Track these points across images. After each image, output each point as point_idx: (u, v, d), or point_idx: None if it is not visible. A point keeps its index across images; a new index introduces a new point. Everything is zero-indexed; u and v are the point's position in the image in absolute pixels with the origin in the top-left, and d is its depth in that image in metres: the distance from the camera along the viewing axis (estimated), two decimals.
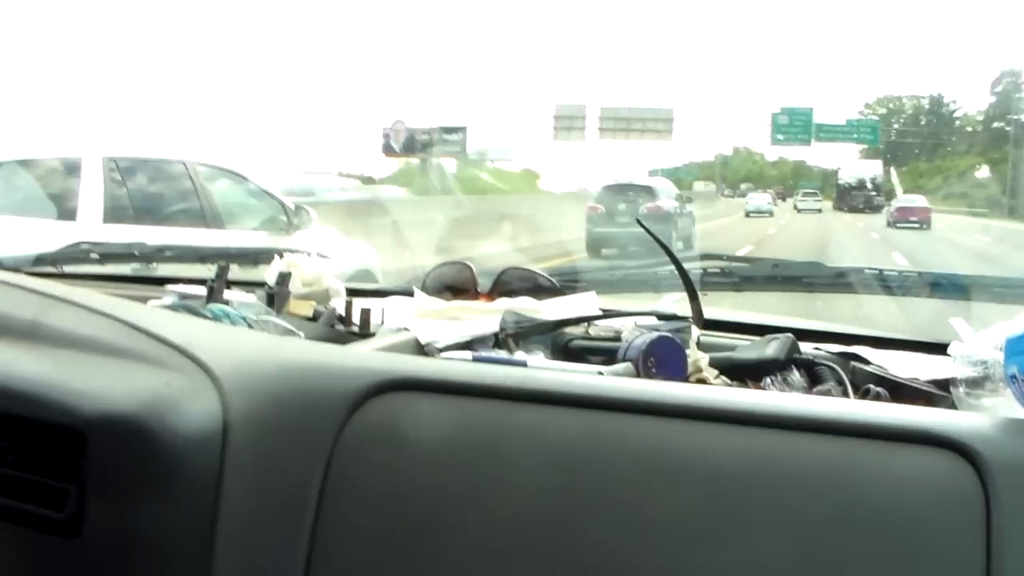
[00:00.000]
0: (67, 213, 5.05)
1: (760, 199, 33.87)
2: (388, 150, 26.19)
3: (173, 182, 5.82)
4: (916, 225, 23.19)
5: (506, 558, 0.94)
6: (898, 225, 23.38)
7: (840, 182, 36.41)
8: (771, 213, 30.90)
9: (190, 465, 0.99)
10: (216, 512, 1.00)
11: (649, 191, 16.77)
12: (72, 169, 5.22)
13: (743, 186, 43.25)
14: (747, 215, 30.30)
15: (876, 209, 28.86)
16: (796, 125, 37.23)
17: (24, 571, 1.06)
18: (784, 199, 37.45)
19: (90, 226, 4.92)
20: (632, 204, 15.27)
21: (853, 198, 33.44)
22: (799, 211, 32.91)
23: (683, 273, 1.46)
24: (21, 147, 5.29)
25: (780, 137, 37.59)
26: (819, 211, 32.91)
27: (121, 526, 0.99)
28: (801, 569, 0.87)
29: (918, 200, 25.67)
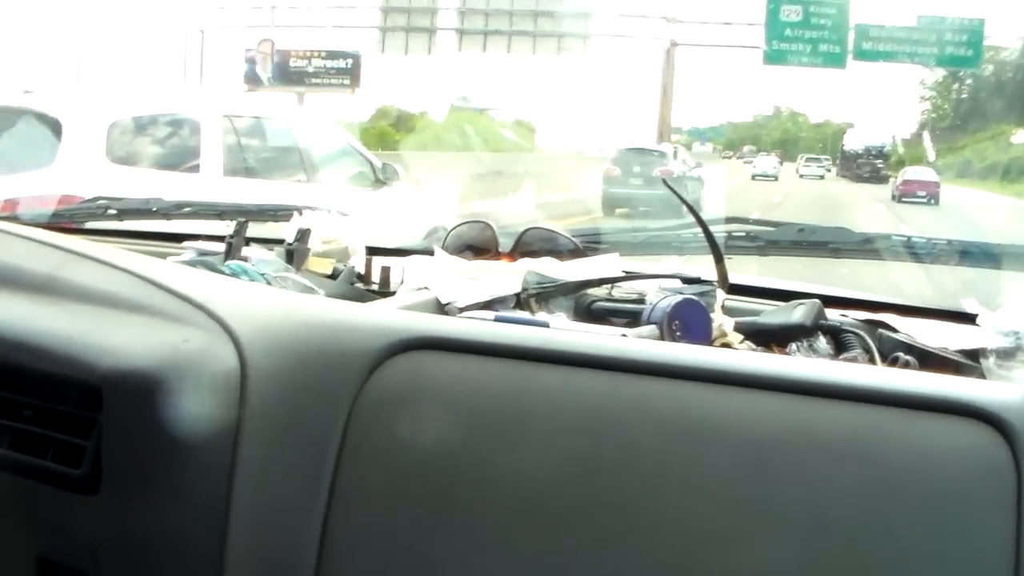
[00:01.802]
0: (190, 167, 5.36)
1: (767, 163, 33.16)
2: (252, 79, 19.28)
3: (278, 139, 6.18)
4: (923, 199, 22.04)
5: (526, 520, 0.93)
6: (904, 199, 22.24)
7: (845, 149, 33.65)
8: (776, 177, 30.45)
9: (207, 422, 0.98)
10: (233, 470, 0.99)
11: (662, 155, 17.23)
12: (192, 126, 5.55)
13: (745, 148, 41.62)
14: (753, 178, 29.86)
15: (882, 180, 27.36)
16: (818, 26, 19.18)
17: (44, 527, 1.06)
18: (782, 163, 36.28)
19: (212, 180, 5.26)
20: (646, 167, 15.40)
21: (859, 167, 31.22)
22: (801, 177, 32.12)
23: (709, 236, 1.44)
24: (140, 103, 5.63)
25: (783, 48, 19.65)
26: (822, 177, 31.99)
27: (137, 482, 0.99)
28: (823, 535, 0.85)
29: (926, 173, 24.11)
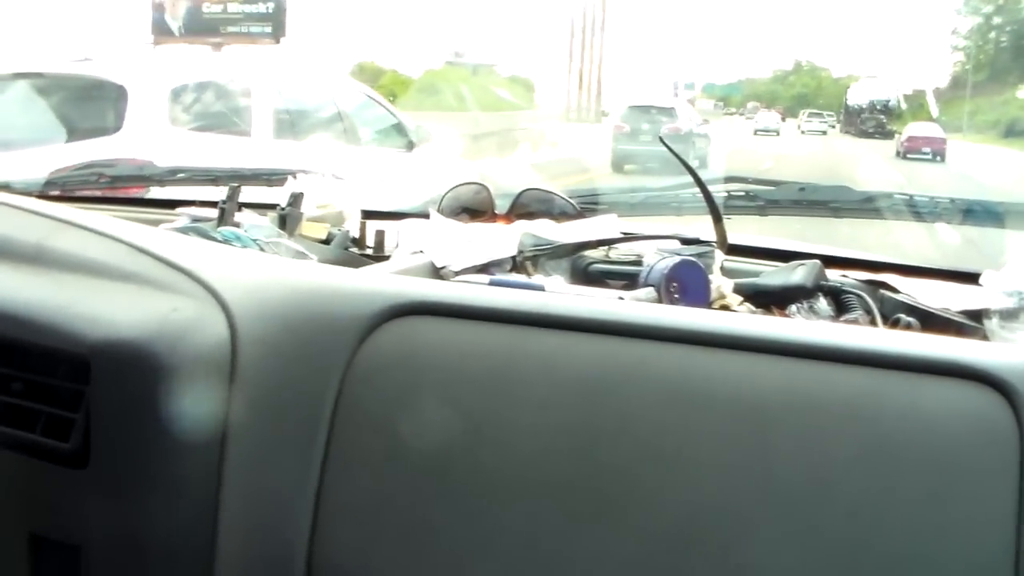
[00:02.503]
0: (243, 130, 5.58)
1: (768, 118, 32.87)
2: (161, 30, 15.56)
3: (321, 103, 6.37)
4: (928, 156, 21.52)
5: (522, 487, 0.92)
6: (908, 156, 21.64)
7: (849, 104, 32.99)
8: (778, 132, 30.19)
9: (197, 392, 0.97)
10: (224, 439, 0.98)
11: (670, 112, 17.37)
12: (244, 91, 5.81)
13: (749, 105, 41.01)
14: (755, 133, 29.61)
15: (888, 135, 26.72)
16: None
17: (36, 499, 1.05)
18: (784, 119, 35.70)
19: (262, 143, 5.52)
20: (654, 124, 15.74)
21: (863, 122, 30.68)
22: (803, 133, 31.71)
23: (708, 196, 1.42)
24: (195, 69, 5.94)
25: None
26: (824, 133, 31.53)
27: (127, 455, 0.98)
28: (824, 501, 0.84)
29: (932, 129, 23.42)
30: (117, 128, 4.95)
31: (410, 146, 6.54)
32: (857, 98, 32.00)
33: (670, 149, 1.58)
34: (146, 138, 4.81)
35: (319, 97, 6.42)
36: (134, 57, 6.65)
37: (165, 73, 5.51)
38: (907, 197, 1.54)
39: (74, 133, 5.00)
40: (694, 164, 1.51)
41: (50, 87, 5.35)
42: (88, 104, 5.30)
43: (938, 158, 21.47)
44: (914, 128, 23.35)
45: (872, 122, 29.79)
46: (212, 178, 1.96)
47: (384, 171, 5.61)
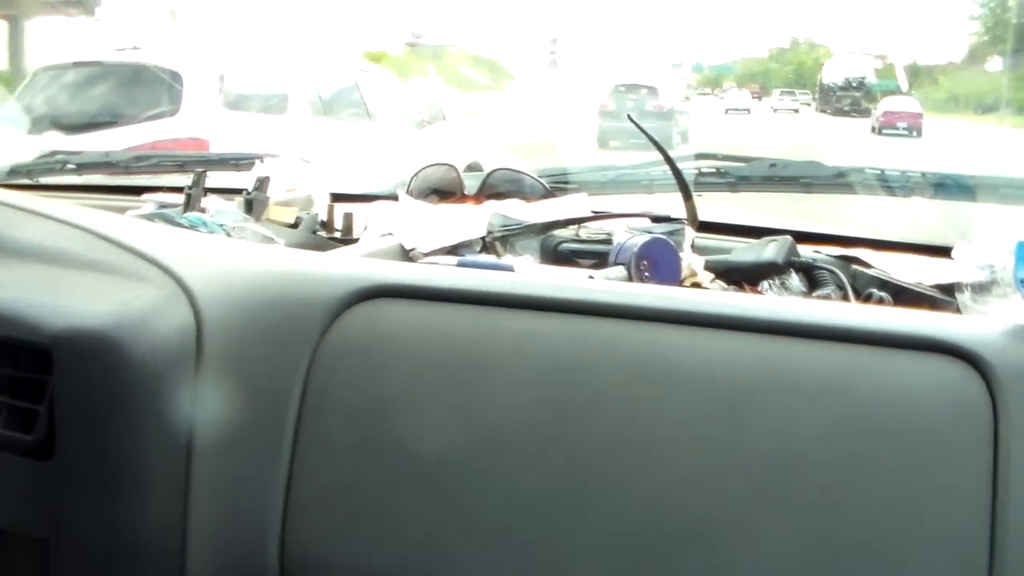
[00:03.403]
0: (279, 110, 6.12)
1: (739, 98, 32.81)
2: None
3: (347, 85, 6.86)
4: (905, 132, 21.16)
5: (494, 468, 0.91)
6: (884, 131, 21.29)
7: (824, 82, 32.10)
8: (748, 111, 30.15)
9: (162, 380, 0.96)
10: (191, 429, 0.97)
11: (653, 90, 17.85)
12: (281, 75, 6.39)
13: (725, 85, 40.62)
14: (726, 112, 29.51)
15: (864, 113, 25.69)
16: None
17: (1, 493, 1.03)
18: (760, 99, 35.46)
19: (300, 122, 6.01)
20: (639, 102, 16.42)
21: (839, 99, 30.18)
22: (775, 111, 31.43)
23: (677, 173, 1.41)
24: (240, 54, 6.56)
25: None
26: (796, 111, 31.23)
27: (93, 446, 0.96)
28: (798, 476, 0.84)
29: (908, 103, 22.94)
30: (175, 111, 5.46)
31: (423, 125, 7.08)
32: (832, 76, 31.57)
33: (637, 125, 1.57)
34: (202, 118, 5.35)
35: (343, 81, 6.88)
36: (186, 45, 7.15)
37: (214, 60, 6.04)
38: (879, 171, 1.54)
39: (135, 116, 5.44)
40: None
41: (109, 74, 5.88)
42: (146, 89, 5.73)
43: (914, 133, 21.19)
44: (889, 103, 22.98)
45: (848, 100, 29.42)
46: (179, 163, 1.94)
47: (400, 149, 5.95)
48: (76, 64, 5.95)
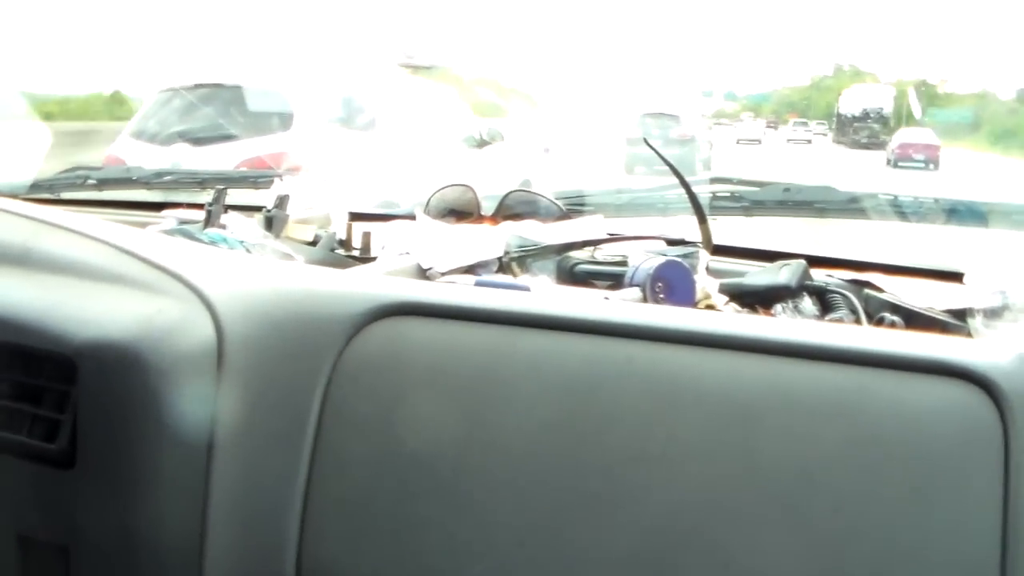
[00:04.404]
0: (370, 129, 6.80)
1: (751, 129, 32.44)
2: None
3: (420, 107, 7.59)
4: (921, 164, 20.37)
5: (509, 487, 0.92)
6: (900, 164, 20.48)
7: (841, 112, 30.71)
8: (760, 141, 29.86)
9: (184, 393, 0.97)
10: (211, 441, 0.98)
11: (676, 119, 18.25)
12: (369, 96, 7.15)
13: (743, 115, 40.10)
14: (737, 142, 29.24)
15: (882, 145, 24.54)
16: None
17: (23, 501, 1.04)
18: (776, 128, 34.92)
19: (387, 139, 6.57)
20: (664, 130, 16.76)
21: (856, 131, 28.72)
22: (789, 142, 30.76)
23: (692, 196, 1.43)
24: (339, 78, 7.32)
25: None
26: (808, 142, 30.63)
27: (115, 456, 0.97)
28: (810, 497, 0.84)
29: (925, 135, 21.98)
30: (287, 127, 6.22)
31: (482, 144, 7.61)
32: (849, 106, 30.89)
33: (651, 147, 1.59)
34: (311, 134, 6.14)
35: (417, 102, 7.61)
36: (293, 70, 7.80)
37: (319, 83, 6.92)
38: (892, 197, 1.55)
39: (252, 131, 6.15)
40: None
41: (227, 94, 6.52)
42: (260, 108, 6.46)
43: (931, 166, 20.51)
44: (905, 134, 22.27)
45: (866, 131, 28.17)
46: (198, 180, 1.96)
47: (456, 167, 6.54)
48: (197, 86, 6.65)
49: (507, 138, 8.07)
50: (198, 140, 6.02)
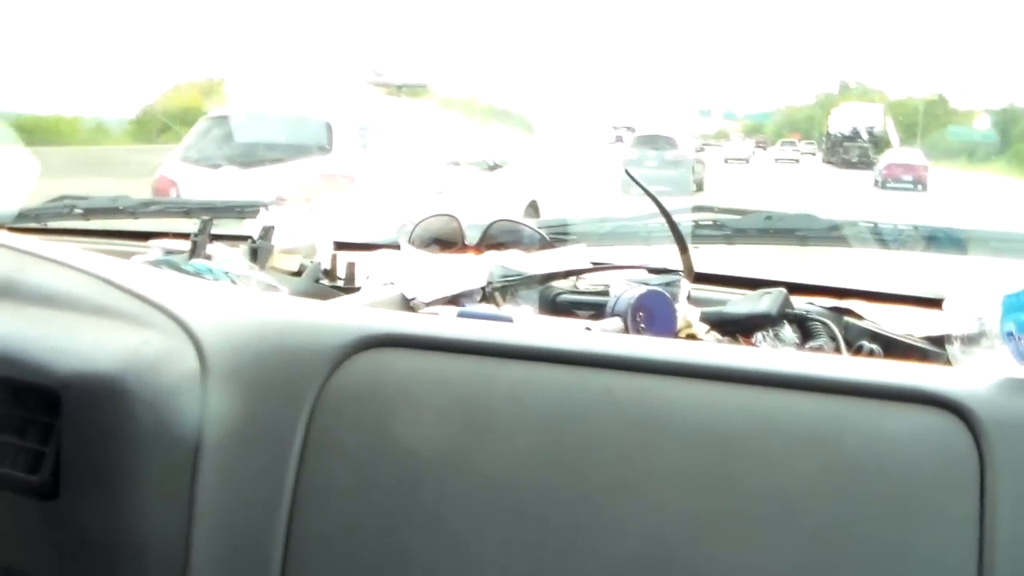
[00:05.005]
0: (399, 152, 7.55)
1: (738, 148, 32.42)
2: None
3: (439, 134, 8.63)
4: (909, 185, 20.30)
5: (491, 517, 0.93)
6: (888, 185, 20.41)
7: (831, 132, 30.95)
8: (747, 160, 29.79)
9: (168, 425, 0.98)
10: (195, 472, 0.98)
11: (671, 141, 18.55)
12: (391, 125, 8.01)
13: (732, 135, 39.92)
14: (726, 161, 29.04)
15: (871, 165, 24.62)
16: None
17: (6, 532, 1.05)
18: (765, 148, 34.90)
19: (416, 162, 7.42)
20: (659, 151, 17.13)
21: (846, 150, 28.84)
22: (777, 161, 30.46)
23: (673, 226, 1.44)
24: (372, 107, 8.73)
25: None
26: (796, 161, 30.37)
27: (98, 489, 0.98)
28: (788, 526, 0.85)
29: (913, 155, 22.14)
30: (328, 150, 7.05)
31: (493, 168, 8.27)
32: (839, 125, 30.65)
33: (635, 180, 1.60)
34: (349, 156, 6.99)
35: (435, 130, 8.47)
36: (333, 98, 8.84)
37: (354, 110, 7.79)
38: (872, 225, 1.57)
39: (295, 154, 6.97)
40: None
41: (271, 121, 7.50)
42: (302, 134, 7.33)
43: (919, 187, 20.40)
44: (892, 154, 22.25)
45: (856, 151, 28.51)
46: (185, 210, 1.97)
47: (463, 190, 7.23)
48: (243, 113, 7.53)
49: (512, 161, 8.69)
50: (245, 163, 6.74)
